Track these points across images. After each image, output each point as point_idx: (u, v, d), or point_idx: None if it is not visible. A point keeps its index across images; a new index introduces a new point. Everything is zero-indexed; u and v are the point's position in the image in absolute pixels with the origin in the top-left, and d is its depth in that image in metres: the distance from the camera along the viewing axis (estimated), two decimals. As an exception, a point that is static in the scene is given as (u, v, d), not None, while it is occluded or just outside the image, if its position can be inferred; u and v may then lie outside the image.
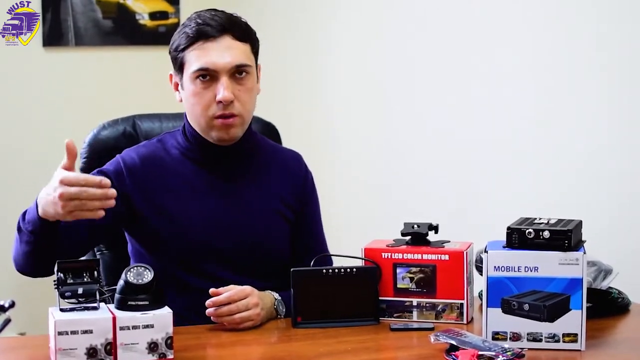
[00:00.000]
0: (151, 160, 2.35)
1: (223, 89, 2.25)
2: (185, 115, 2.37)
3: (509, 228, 2.06)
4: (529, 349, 2.00)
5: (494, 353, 1.92)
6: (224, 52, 2.26)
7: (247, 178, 2.38)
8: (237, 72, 2.28)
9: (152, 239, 2.32)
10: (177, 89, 2.36)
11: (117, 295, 1.97)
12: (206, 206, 2.33)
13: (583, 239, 2.12)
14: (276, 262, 2.39)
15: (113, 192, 2.00)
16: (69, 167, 2.05)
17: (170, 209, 2.31)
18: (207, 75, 2.26)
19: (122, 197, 2.26)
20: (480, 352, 1.91)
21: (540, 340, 2.03)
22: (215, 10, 2.33)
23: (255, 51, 2.34)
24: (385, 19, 3.76)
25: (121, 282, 1.98)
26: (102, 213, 2.01)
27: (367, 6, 3.84)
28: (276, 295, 2.28)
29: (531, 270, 2.02)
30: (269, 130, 2.68)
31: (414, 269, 2.23)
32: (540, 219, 2.11)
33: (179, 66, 2.31)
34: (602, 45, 2.96)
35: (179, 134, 2.38)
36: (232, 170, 2.37)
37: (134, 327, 1.91)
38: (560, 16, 3.09)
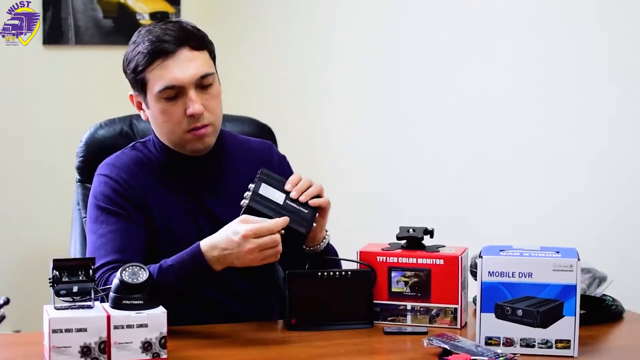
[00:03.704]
0: (134, 172, 2.32)
1: (192, 103, 2.23)
2: (153, 131, 2.34)
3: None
4: (522, 354, 2.01)
5: (486, 358, 1.92)
6: (186, 65, 2.23)
7: (224, 182, 2.36)
8: (202, 83, 2.25)
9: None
10: (140, 108, 2.32)
11: (111, 294, 1.97)
12: (189, 218, 2.31)
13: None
14: None
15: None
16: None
17: (157, 220, 2.30)
18: (174, 92, 2.23)
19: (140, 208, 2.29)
20: (473, 357, 1.92)
21: (533, 346, 2.03)
22: (164, 22, 2.29)
23: (213, 56, 2.31)
24: (385, 24, 3.76)
25: (116, 281, 1.98)
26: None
27: (366, 10, 3.85)
28: None
29: (525, 276, 2.02)
30: (265, 133, 2.68)
31: (408, 273, 2.24)
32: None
33: (141, 87, 2.26)
34: (604, 49, 2.97)
35: (151, 146, 2.36)
36: (208, 178, 2.35)
37: (128, 326, 1.92)
38: (562, 17, 3.09)
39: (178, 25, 2.28)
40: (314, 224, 2.18)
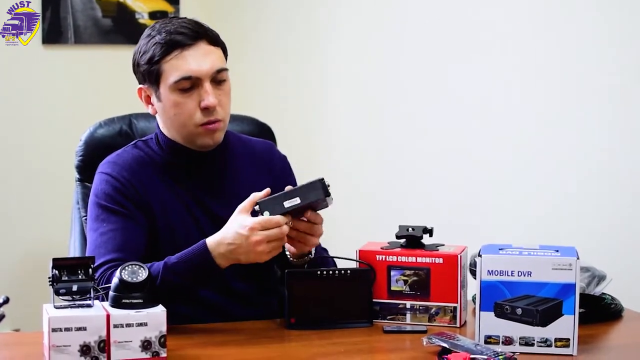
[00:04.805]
0: (136, 170, 2.32)
1: (208, 95, 2.23)
2: (158, 126, 2.34)
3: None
4: (521, 353, 2.01)
5: (485, 357, 1.92)
6: (203, 58, 2.24)
7: (225, 181, 2.36)
8: (217, 77, 2.26)
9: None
10: (149, 102, 2.32)
11: (111, 293, 1.97)
12: (190, 218, 2.31)
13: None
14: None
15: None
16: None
17: (159, 219, 2.30)
18: (189, 84, 2.24)
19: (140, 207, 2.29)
20: (472, 356, 1.92)
21: (533, 345, 2.03)
22: (178, 17, 2.31)
23: (226, 55, 2.32)
24: (385, 24, 3.76)
25: (116, 280, 1.98)
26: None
27: (366, 10, 3.85)
28: None
29: (524, 275, 2.02)
30: (265, 132, 2.68)
31: (408, 272, 2.24)
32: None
33: (155, 78, 2.26)
34: (604, 48, 2.97)
35: (153, 144, 2.36)
36: (209, 177, 2.35)
37: (128, 325, 1.92)
38: (563, 17, 3.09)
39: (194, 21, 2.30)
40: (327, 185, 2.15)
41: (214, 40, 2.29)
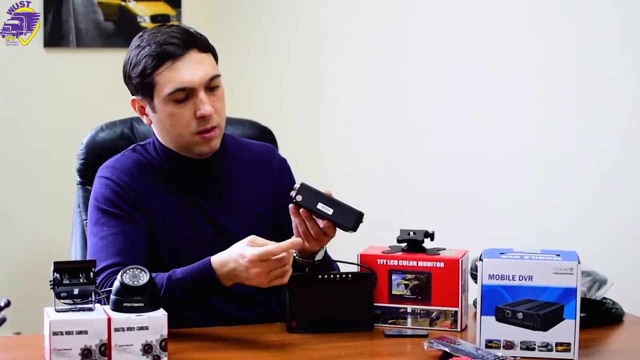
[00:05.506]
0: (135, 174, 2.32)
1: (203, 105, 2.23)
2: (154, 134, 2.34)
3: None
4: (522, 357, 2.01)
5: (487, 361, 1.93)
6: (196, 67, 2.23)
7: (224, 186, 2.36)
8: (211, 84, 2.26)
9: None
10: (143, 113, 2.32)
11: (112, 297, 1.97)
12: (189, 223, 2.31)
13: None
14: None
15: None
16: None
17: (158, 222, 2.30)
18: (184, 94, 2.23)
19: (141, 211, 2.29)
20: (473, 360, 1.92)
21: (534, 349, 2.03)
22: (167, 25, 2.30)
23: (216, 59, 2.31)
24: (385, 26, 3.76)
25: (117, 284, 1.98)
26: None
27: (367, 11, 3.85)
28: None
29: (525, 279, 2.02)
30: (266, 135, 2.68)
31: (409, 276, 2.24)
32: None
33: (148, 90, 2.25)
34: (604, 49, 2.97)
35: (151, 149, 2.36)
36: (208, 182, 2.34)
37: (129, 329, 1.92)
38: (563, 18, 3.09)
39: (182, 29, 2.28)
40: (361, 221, 2.19)
41: (204, 46, 2.28)
